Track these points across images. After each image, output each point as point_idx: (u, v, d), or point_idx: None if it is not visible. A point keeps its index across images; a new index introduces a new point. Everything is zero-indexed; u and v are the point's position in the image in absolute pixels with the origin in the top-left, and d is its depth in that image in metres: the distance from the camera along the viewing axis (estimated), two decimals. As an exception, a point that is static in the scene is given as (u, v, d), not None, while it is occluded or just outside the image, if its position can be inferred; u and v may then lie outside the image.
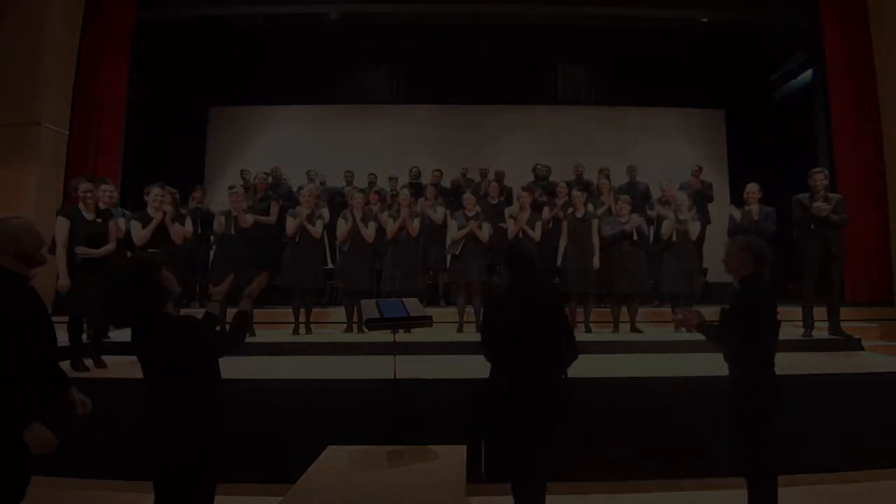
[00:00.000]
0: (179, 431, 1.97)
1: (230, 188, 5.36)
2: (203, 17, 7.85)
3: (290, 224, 5.25)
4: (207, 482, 2.10)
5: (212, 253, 5.65)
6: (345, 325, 5.47)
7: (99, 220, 4.04)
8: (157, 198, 4.35)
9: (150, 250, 4.27)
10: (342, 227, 5.43)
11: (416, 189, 6.81)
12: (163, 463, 1.98)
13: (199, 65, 9.14)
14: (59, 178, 6.50)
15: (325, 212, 5.64)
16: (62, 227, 3.87)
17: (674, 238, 5.28)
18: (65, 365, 3.92)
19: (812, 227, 4.82)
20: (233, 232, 5.02)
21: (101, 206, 4.21)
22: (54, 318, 2.06)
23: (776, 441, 2.54)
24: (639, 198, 6.66)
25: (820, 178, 4.85)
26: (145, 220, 4.34)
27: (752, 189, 5.09)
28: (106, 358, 4.13)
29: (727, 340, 2.57)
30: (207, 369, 2.10)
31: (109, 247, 4.05)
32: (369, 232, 5.42)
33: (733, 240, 2.84)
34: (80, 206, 4.00)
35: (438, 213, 6.01)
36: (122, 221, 4.59)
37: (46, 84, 6.31)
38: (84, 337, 4.11)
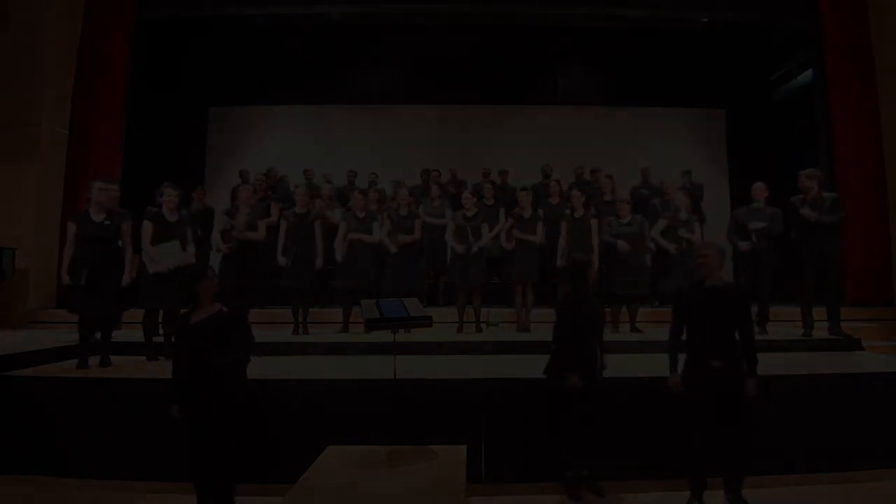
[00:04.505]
0: None
1: (242, 185, 5.30)
2: (203, 17, 7.86)
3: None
4: None
5: (212, 254, 5.62)
6: (340, 326, 5.46)
7: (107, 223, 4.04)
8: (172, 199, 4.31)
9: None
10: (341, 230, 5.34)
11: (425, 190, 6.82)
12: None
13: (199, 65, 9.13)
14: (59, 178, 6.51)
15: (331, 213, 5.63)
16: (70, 229, 4.02)
17: (682, 238, 5.27)
18: (71, 364, 3.97)
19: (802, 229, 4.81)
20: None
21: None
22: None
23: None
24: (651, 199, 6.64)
25: (805, 180, 4.79)
26: (157, 221, 4.27)
27: (759, 187, 5.05)
28: (110, 358, 4.11)
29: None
30: None
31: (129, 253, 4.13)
32: (373, 238, 5.31)
33: (706, 244, 3.17)
34: (91, 208, 4.03)
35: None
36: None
37: (46, 84, 6.32)
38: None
